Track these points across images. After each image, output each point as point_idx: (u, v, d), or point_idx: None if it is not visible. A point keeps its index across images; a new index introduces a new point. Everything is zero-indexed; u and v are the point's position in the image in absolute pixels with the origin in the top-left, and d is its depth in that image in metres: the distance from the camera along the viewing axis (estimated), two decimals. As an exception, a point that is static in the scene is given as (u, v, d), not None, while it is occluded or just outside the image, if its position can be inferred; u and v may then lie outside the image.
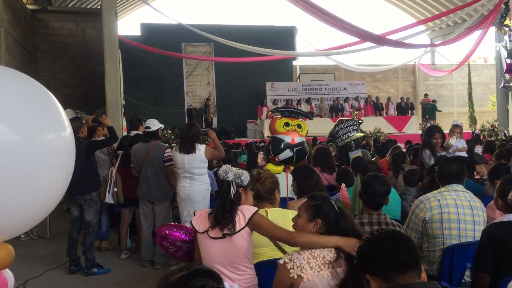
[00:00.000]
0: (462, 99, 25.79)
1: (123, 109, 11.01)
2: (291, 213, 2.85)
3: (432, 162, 5.77)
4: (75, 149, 2.37)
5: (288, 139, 4.91)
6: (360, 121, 6.70)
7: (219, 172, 2.79)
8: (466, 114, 25.54)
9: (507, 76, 20.25)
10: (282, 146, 4.88)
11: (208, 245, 2.63)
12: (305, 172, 3.85)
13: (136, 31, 20.96)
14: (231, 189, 2.67)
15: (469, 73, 25.14)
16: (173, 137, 14.37)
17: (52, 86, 14.13)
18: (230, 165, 2.86)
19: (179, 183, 5.25)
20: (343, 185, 3.42)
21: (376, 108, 20.09)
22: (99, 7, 12.29)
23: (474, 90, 25.34)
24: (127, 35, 18.75)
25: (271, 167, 4.84)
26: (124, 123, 11.14)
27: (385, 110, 20.29)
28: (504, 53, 19.67)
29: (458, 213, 3.12)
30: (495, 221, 2.84)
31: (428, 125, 17.51)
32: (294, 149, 4.88)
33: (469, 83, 25.22)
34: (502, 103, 20.82)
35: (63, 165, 2.18)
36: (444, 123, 23.75)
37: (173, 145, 12.96)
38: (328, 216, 2.35)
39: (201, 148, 5.17)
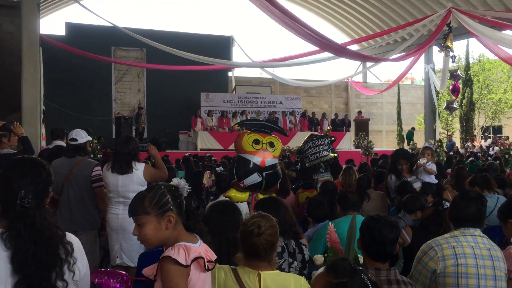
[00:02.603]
0: (391, 117, 26.51)
1: (42, 115, 9.67)
2: (293, 279, 2.10)
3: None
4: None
5: (257, 160, 4.08)
6: (333, 139, 6.01)
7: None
8: (395, 132, 26.37)
9: (434, 97, 21.01)
10: (249, 168, 4.05)
11: None
12: (269, 206, 3.05)
13: (61, 31, 19.35)
14: None
15: (399, 93, 26.00)
16: (98, 147, 13.13)
17: (-41, 87, 12.38)
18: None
19: (110, 210, 4.31)
20: (330, 224, 2.64)
21: (312, 123, 19.99)
22: (18, -1, 10.86)
23: (402, 109, 26.20)
24: (50, 34, 17.19)
25: (234, 193, 4.01)
26: (44, 131, 9.81)
27: (320, 126, 20.18)
28: (432, 75, 20.36)
29: (478, 265, 2.50)
30: None
31: (365, 142, 17.61)
32: (264, 173, 4.06)
33: (398, 102, 26.09)
34: (429, 123, 21.47)
35: None
36: (375, 140, 24.16)
37: (99, 156, 11.80)
38: None
39: (139, 168, 4.27)
